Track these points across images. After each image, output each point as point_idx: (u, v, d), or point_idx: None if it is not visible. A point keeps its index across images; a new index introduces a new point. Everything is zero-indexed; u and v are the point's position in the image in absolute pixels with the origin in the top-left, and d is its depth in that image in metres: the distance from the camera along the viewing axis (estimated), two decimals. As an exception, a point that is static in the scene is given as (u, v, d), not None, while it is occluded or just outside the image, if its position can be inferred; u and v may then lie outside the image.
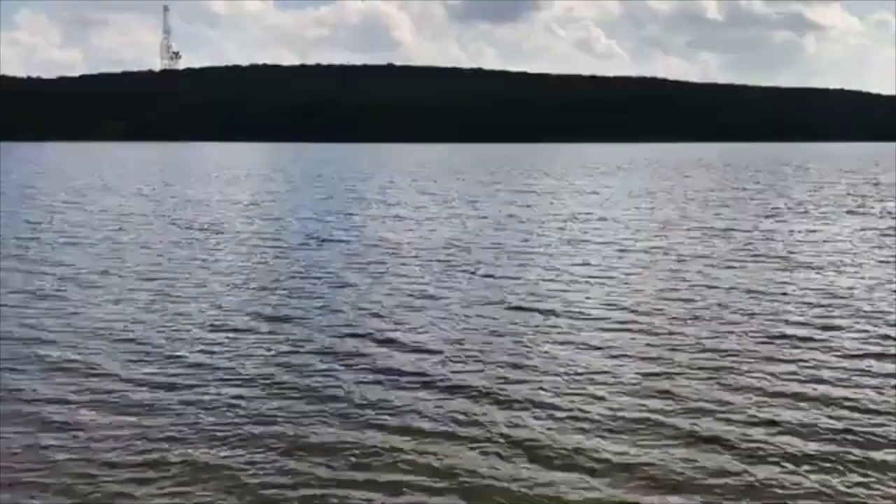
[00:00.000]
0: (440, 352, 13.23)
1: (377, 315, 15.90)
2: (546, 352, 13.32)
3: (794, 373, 12.13)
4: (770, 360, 12.79)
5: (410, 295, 17.83)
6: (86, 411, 10.51)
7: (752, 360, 12.72)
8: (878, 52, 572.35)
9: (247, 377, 11.92)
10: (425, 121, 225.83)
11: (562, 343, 13.83)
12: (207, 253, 24.45)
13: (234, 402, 10.83)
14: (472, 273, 20.76)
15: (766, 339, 14.02)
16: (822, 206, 40.04)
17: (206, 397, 11.01)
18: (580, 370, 12.24)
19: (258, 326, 15.02)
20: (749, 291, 18.21)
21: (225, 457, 9.10)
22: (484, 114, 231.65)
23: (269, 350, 13.41)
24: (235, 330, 14.75)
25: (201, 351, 13.34)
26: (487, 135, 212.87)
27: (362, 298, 17.51)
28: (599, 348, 13.51)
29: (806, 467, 8.84)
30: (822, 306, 16.57)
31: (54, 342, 13.84)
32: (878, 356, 12.94)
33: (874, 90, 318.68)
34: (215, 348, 13.49)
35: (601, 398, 10.99)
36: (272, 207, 39.70)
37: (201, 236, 28.32)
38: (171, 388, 11.43)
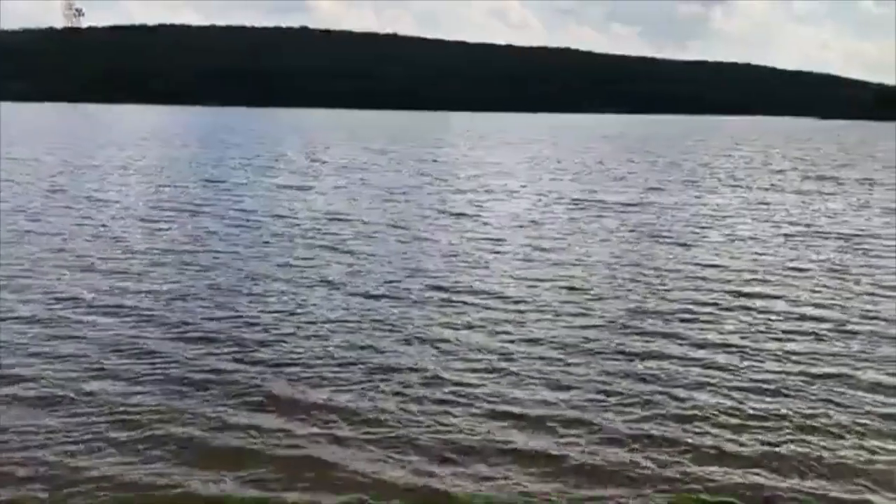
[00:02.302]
0: (306, 337, 12.44)
1: (243, 295, 15.00)
2: (428, 334, 12.68)
3: (681, 346, 12.18)
4: (653, 338, 12.68)
5: (281, 273, 16.97)
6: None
7: (633, 340, 12.58)
8: (782, 27, 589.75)
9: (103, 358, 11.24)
10: (341, 87, 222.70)
11: (446, 325, 13.21)
12: (75, 221, 23.19)
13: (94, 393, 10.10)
14: (349, 248, 20.02)
15: (645, 317, 13.88)
16: (709, 179, 40.75)
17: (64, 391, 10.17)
18: (464, 352, 11.78)
19: (110, 307, 13.95)
20: (634, 267, 18.20)
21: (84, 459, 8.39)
22: (400, 81, 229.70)
23: (123, 333, 12.50)
24: (83, 308, 13.83)
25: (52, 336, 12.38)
26: (403, 102, 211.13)
27: (229, 274, 16.70)
28: (483, 328, 13.05)
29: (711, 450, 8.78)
30: (703, 283, 16.62)
31: None
32: (754, 332, 13.02)
33: (778, 65, 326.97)
34: (67, 331, 12.52)
35: (486, 381, 10.62)
36: (157, 173, 38.13)
37: (73, 203, 26.92)
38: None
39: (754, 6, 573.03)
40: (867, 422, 9.58)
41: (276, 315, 13.60)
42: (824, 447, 8.92)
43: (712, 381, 10.79)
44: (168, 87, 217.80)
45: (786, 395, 10.31)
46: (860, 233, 23.86)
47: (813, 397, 10.28)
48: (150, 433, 8.97)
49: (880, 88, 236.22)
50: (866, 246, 21.66)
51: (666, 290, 15.90)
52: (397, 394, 10.16)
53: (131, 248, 19.35)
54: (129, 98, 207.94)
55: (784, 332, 13.16)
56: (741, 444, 8.90)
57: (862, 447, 8.93)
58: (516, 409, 9.70)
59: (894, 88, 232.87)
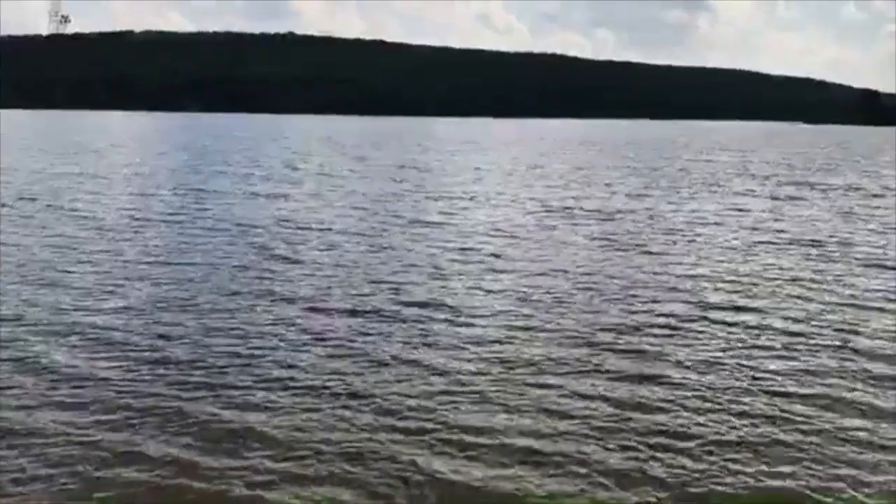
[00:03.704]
0: (270, 359, 11.64)
1: (206, 312, 14.23)
2: (389, 353, 11.96)
3: (648, 363, 11.66)
4: (623, 357, 12.06)
5: (245, 287, 16.16)
6: None
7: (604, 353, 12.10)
8: (766, 34, 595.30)
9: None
10: (325, 93, 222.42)
11: (407, 343, 12.52)
12: (40, 232, 22.40)
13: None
14: (317, 260, 19.27)
15: (615, 333, 13.26)
16: (689, 186, 40.39)
17: None
18: (425, 373, 11.14)
19: (68, 326, 13.16)
20: (607, 278, 17.61)
21: None
22: (385, 86, 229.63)
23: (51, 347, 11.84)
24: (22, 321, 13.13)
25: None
26: (388, 108, 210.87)
27: (194, 289, 15.94)
28: (446, 346, 12.40)
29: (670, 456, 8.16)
30: (677, 295, 16.07)
31: None
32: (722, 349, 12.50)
33: (764, 70, 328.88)
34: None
35: (444, 405, 10.03)
36: (133, 181, 37.46)
37: (41, 213, 26.17)
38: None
39: (739, 13, 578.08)
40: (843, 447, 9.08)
41: (236, 335, 12.87)
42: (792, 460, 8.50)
43: (683, 401, 10.24)
44: (153, 94, 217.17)
45: (757, 416, 9.79)
46: (842, 241, 23.41)
47: (786, 411, 9.79)
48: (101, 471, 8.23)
49: (864, 93, 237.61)
50: (850, 255, 21.21)
51: (640, 303, 15.32)
52: (349, 420, 9.54)
53: (98, 261, 18.59)
54: (115, 104, 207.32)
55: (759, 347, 12.63)
56: (707, 470, 8.39)
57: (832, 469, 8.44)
58: (475, 438, 9.07)
59: (877, 93, 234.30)
